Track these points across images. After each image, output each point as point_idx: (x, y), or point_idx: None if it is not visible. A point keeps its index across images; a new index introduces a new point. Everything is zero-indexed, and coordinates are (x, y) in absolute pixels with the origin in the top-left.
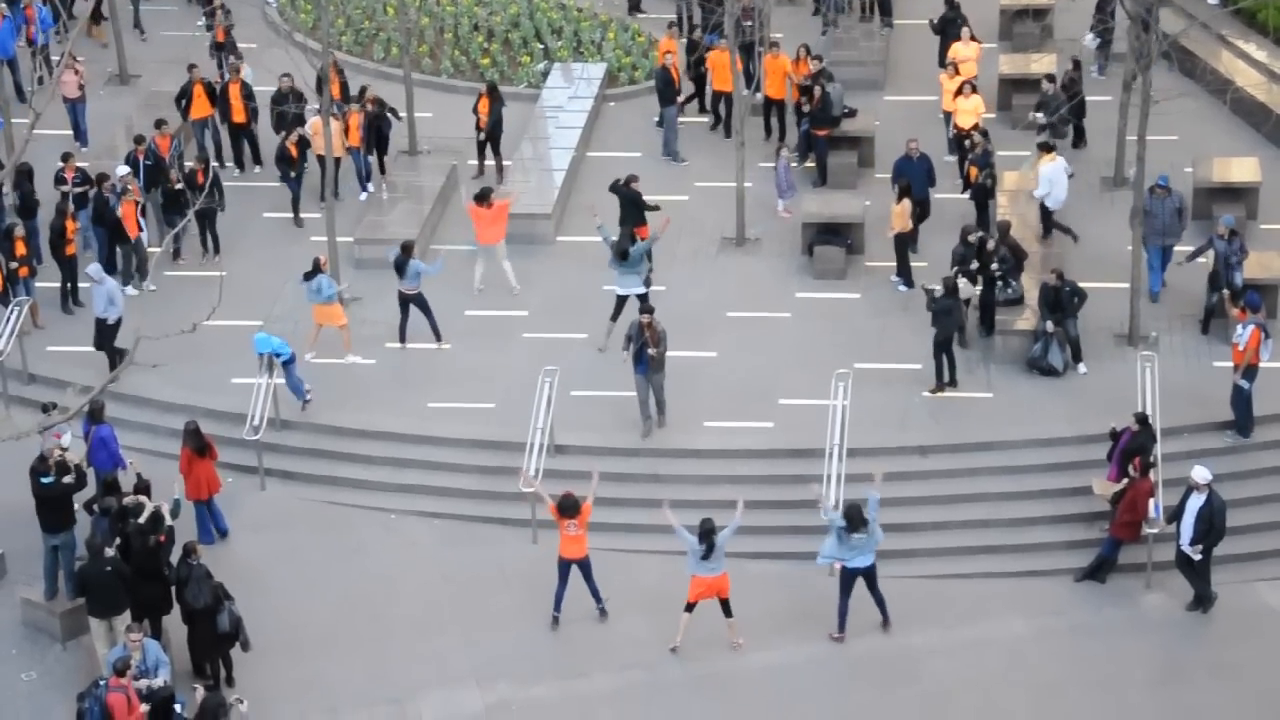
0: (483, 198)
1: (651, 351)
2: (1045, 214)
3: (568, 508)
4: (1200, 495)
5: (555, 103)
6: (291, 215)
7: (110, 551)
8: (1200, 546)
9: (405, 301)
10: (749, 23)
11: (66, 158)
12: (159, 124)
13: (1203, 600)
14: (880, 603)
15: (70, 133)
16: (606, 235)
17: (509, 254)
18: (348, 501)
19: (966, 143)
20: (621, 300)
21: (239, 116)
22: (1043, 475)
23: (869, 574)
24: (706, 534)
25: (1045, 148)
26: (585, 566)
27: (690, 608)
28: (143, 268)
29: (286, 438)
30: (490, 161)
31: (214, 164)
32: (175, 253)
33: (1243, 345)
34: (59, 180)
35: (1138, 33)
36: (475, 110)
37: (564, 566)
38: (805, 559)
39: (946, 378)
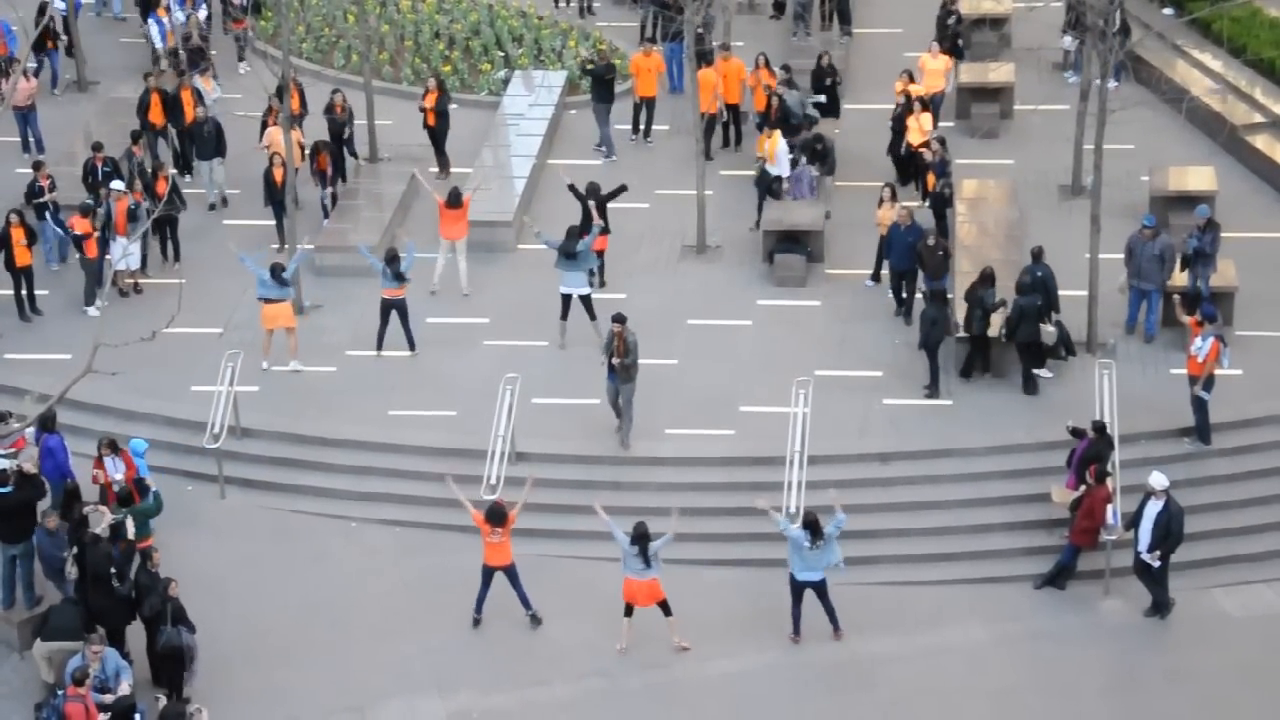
0: (454, 200)
1: (615, 361)
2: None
3: (494, 516)
4: (1158, 501)
5: (516, 110)
6: (277, 233)
7: (62, 551)
8: (1158, 553)
9: (388, 307)
10: (701, 30)
11: (39, 166)
12: (136, 136)
13: (1160, 606)
14: (831, 613)
15: (18, 140)
16: (548, 240)
17: (469, 259)
18: (308, 509)
19: (925, 154)
20: (567, 299)
21: (190, 119)
22: (1002, 482)
23: (819, 588)
24: (640, 537)
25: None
26: (511, 573)
27: (629, 611)
28: (92, 291)
29: (247, 445)
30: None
31: (173, 171)
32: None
33: (1202, 357)
34: (35, 191)
35: (1094, 42)
36: (424, 106)
37: (487, 573)
38: (765, 566)
39: (940, 384)
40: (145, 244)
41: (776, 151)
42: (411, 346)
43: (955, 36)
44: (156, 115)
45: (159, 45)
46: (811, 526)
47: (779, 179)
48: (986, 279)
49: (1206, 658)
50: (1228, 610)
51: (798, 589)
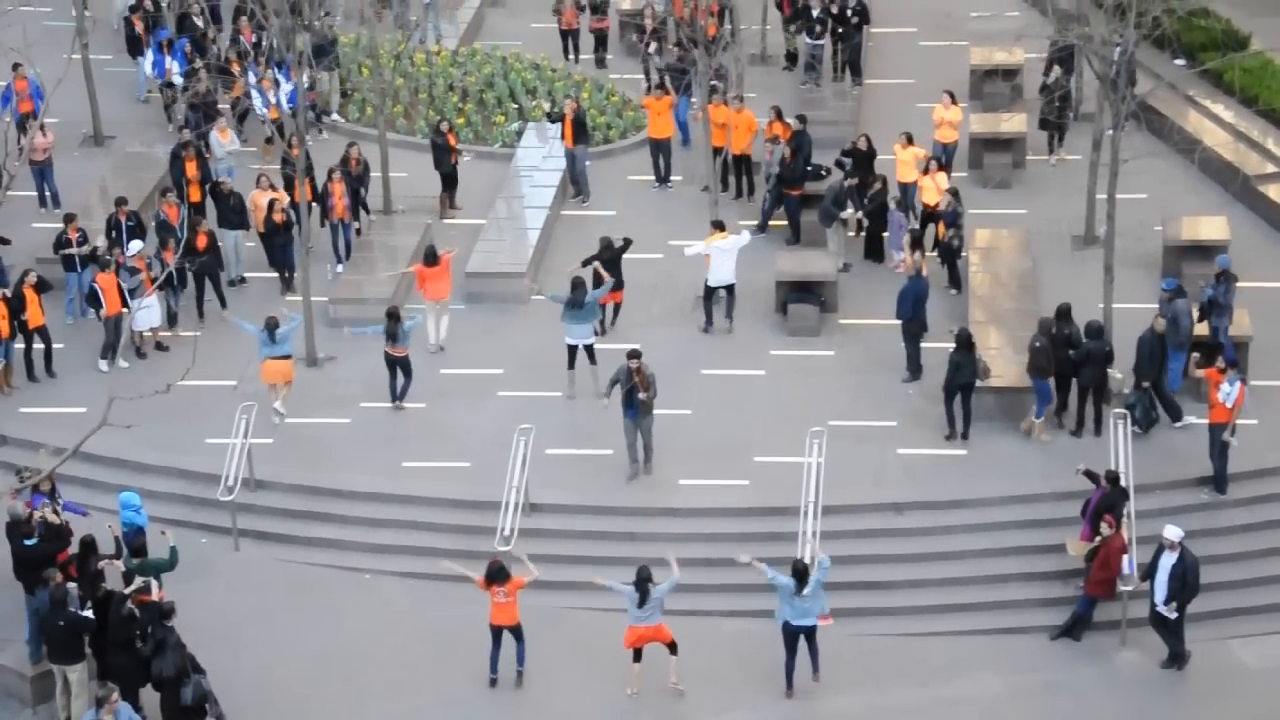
0: (430, 257)
1: (642, 396)
2: (708, 292)
3: (495, 575)
4: (1173, 553)
5: (530, 162)
6: (279, 277)
7: (73, 607)
8: (1175, 605)
9: (393, 363)
10: (715, 82)
11: (70, 219)
12: (165, 193)
13: (1177, 658)
14: (813, 654)
15: (35, 194)
16: (553, 295)
17: (466, 308)
18: (322, 562)
19: (944, 204)
20: (573, 349)
21: (195, 197)
22: (1018, 532)
23: (810, 633)
24: (641, 582)
25: (717, 226)
26: (517, 632)
27: (637, 656)
28: (112, 347)
29: (260, 498)
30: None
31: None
32: (173, 318)
33: (1230, 403)
34: (63, 244)
35: (1106, 93)
36: (445, 145)
37: (495, 632)
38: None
39: (959, 429)
40: (172, 299)
41: (714, 246)
42: (401, 398)
43: (1059, 111)
44: (191, 170)
45: (262, 112)
46: (799, 575)
47: (715, 291)
48: (1063, 314)
49: (1224, 709)
50: (1245, 661)
51: (791, 636)
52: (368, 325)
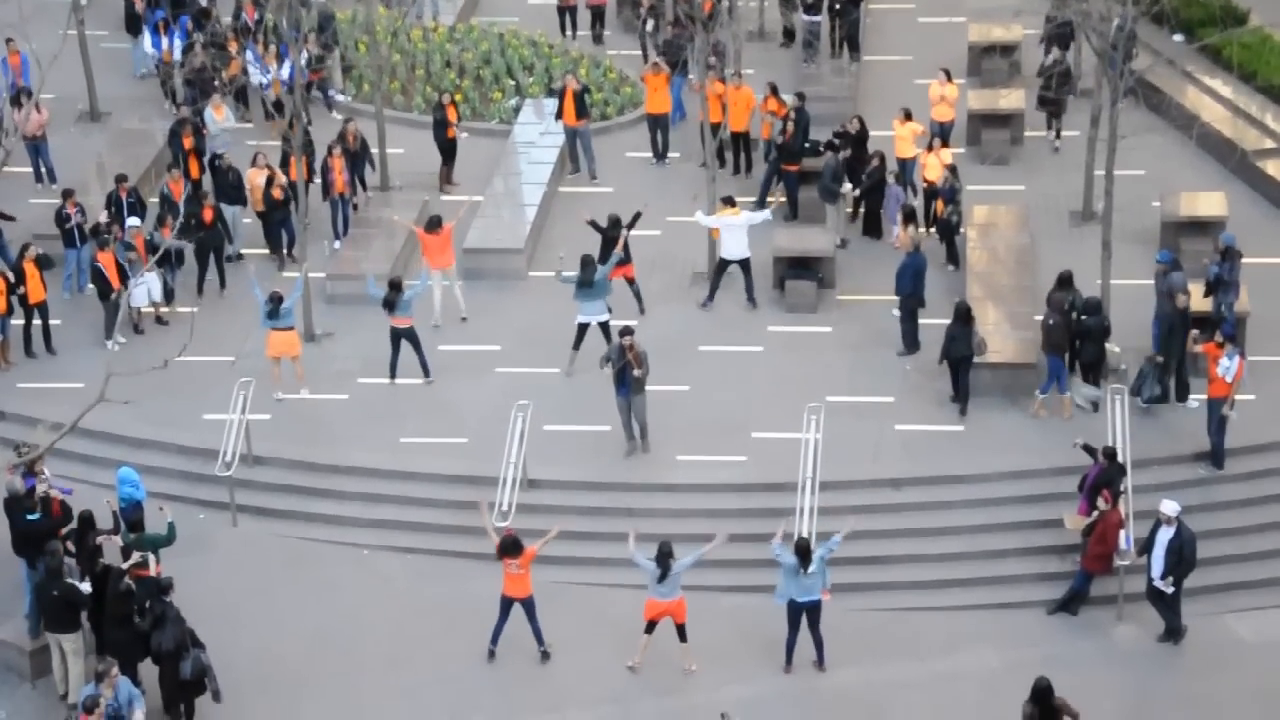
0: (433, 225)
1: (636, 373)
2: (721, 265)
3: (508, 547)
4: (1169, 528)
5: (527, 139)
6: (272, 253)
7: (71, 578)
8: (1171, 579)
9: (398, 336)
10: (714, 58)
11: (68, 194)
12: (170, 168)
13: (1173, 632)
14: (819, 644)
15: (30, 170)
16: (567, 277)
17: (465, 283)
18: (320, 537)
19: (941, 181)
20: (584, 328)
21: (195, 173)
22: (1015, 508)
23: (813, 610)
24: (663, 556)
25: (728, 202)
26: (528, 606)
27: (650, 628)
28: (110, 326)
29: (258, 474)
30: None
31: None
32: (170, 294)
33: (1230, 377)
34: (63, 218)
35: (1104, 69)
36: (445, 119)
37: (505, 604)
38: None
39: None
40: (169, 275)
41: (724, 221)
42: (426, 374)
43: (1058, 88)
44: (190, 145)
45: (263, 80)
46: (803, 554)
47: (732, 264)
48: (1065, 281)
49: (1220, 683)
50: (1242, 635)
51: (795, 612)
52: (377, 287)
